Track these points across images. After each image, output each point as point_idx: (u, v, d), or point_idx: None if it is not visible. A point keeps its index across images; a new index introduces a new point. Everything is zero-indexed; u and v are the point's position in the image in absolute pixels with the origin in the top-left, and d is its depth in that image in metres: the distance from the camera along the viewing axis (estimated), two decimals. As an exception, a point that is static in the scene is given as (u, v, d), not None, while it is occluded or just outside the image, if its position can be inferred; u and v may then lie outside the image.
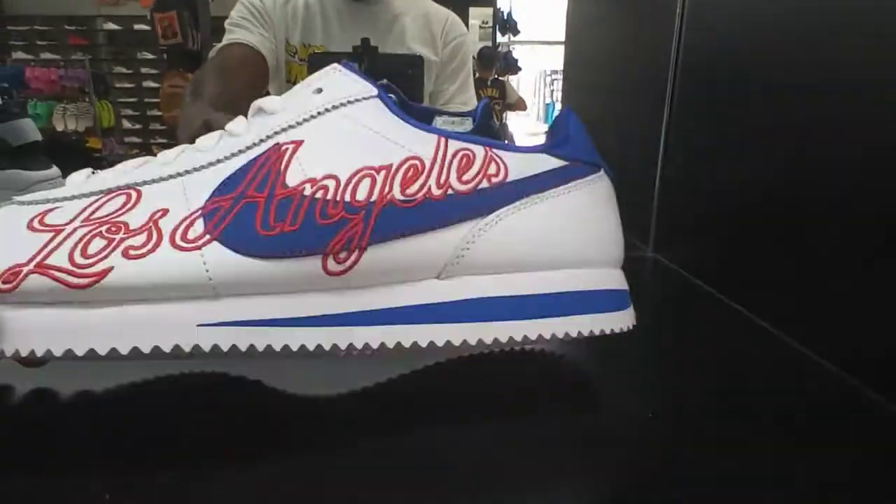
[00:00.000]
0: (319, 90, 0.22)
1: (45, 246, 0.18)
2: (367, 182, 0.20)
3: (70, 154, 3.02)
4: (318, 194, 0.19)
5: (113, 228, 0.19)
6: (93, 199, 0.20)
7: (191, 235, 0.19)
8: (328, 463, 0.18)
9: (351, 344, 0.20)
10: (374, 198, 0.20)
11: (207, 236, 0.19)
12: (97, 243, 0.19)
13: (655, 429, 0.20)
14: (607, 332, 0.23)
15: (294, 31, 0.91)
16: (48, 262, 0.18)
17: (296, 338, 0.20)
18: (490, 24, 4.18)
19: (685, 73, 0.44)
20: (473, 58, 1.12)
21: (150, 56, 5.15)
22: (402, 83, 0.73)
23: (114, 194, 0.20)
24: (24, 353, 0.18)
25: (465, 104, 0.97)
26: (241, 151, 0.20)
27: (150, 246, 0.19)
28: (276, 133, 0.20)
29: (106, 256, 0.18)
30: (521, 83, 4.74)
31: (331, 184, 0.19)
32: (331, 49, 0.88)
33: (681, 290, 0.38)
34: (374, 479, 0.17)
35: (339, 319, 0.21)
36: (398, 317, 0.21)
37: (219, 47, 0.85)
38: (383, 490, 0.17)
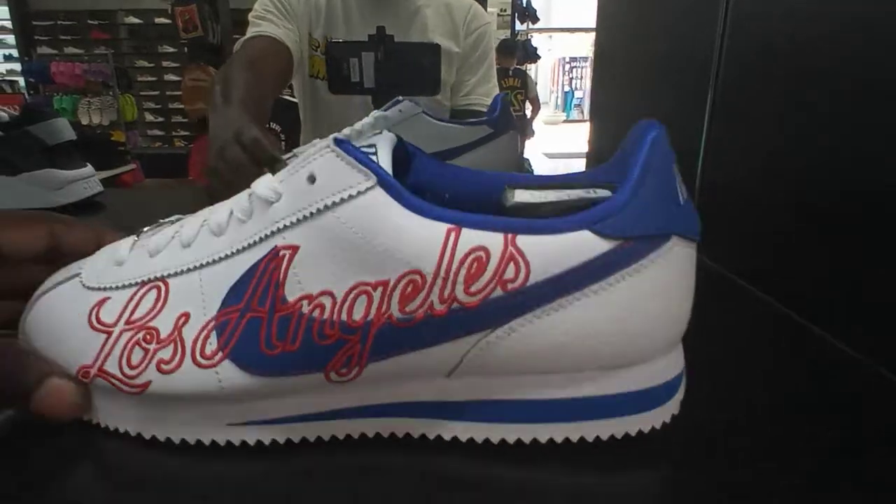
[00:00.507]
0: (313, 178, 0.20)
1: (102, 350, 0.22)
2: (363, 300, 0.19)
3: (97, 148, 3.08)
4: (315, 313, 0.19)
5: (147, 337, 0.21)
6: (132, 292, 0.22)
7: (207, 351, 0.21)
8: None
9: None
10: (370, 317, 0.19)
11: (220, 353, 0.21)
12: (137, 353, 0.21)
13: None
14: (634, 433, 0.21)
15: (317, 24, 0.91)
16: (105, 367, 0.22)
17: (311, 431, 0.22)
18: (508, 12, 4.10)
19: (730, 65, 0.42)
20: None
21: (170, 49, 5.08)
22: (419, 72, 0.71)
23: (147, 288, 0.22)
24: (94, 422, 0.23)
25: (487, 95, 0.95)
26: (244, 248, 0.21)
27: (176, 361, 0.21)
28: (274, 233, 0.20)
29: (144, 369, 0.21)
30: (538, 71, 4.66)
31: (327, 302, 0.20)
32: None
33: (726, 289, 0.37)
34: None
35: (347, 413, 0.22)
36: (407, 410, 0.22)
37: (243, 40, 0.84)
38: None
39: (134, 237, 0.24)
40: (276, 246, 0.20)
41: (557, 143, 6.39)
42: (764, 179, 0.37)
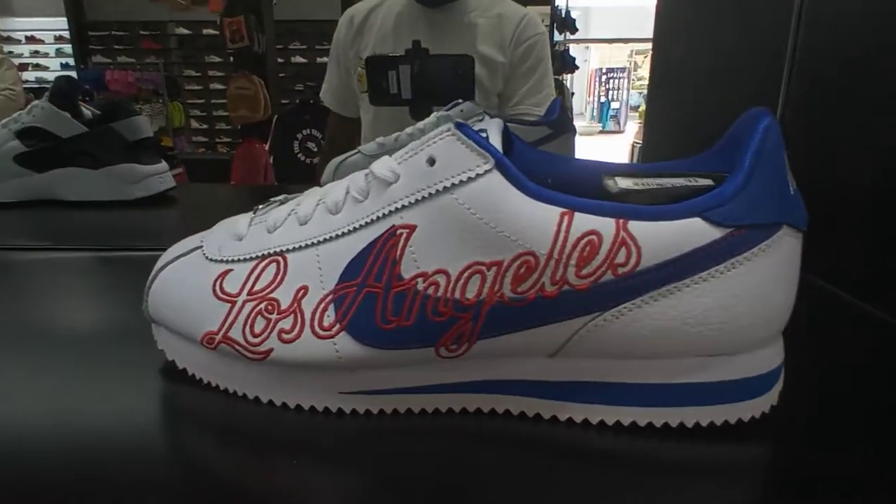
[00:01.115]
0: (432, 161, 0.21)
1: (227, 318, 0.23)
2: (476, 279, 0.20)
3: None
4: (430, 291, 0.21)
5: (269, 307, 0.23)
6: (252, 264, 0.24)
7: (325, 323, 0.22)
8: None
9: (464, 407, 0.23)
10: (483, 296, 0.20)
11: (338, 325, 0.22)
12: (260, 322, 0.23)
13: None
14: (733, 422, 0.22)
15: (367, 47, 0.95)
16: (230, 335, 0.23)
17: (417, 402, 0.23)
18: (546, 23, 4.16)
19: (801, 81, 0.42)
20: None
21: (217, 59, 5.36)
22: (452, 82, 0.74)
23: (266, 261, 0.23)
24: (213, 384, 0.25)
25: (538, 105, 0.95)
26: (361, 227, 0.22)
27: (296, 331, 0.22)
28: (391, 212, 0.21)
29: (267, 338, 0.23)
30: (574, 82, 4.71)
31: (441, 280, 0.21)
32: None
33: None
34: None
35: (451, 388, 0.23)
36: (507, 388, 0.23)
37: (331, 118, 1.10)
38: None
39: (251, 213, 0.26)
40: (393, 225, 0.21)
41: (594, 153, 6.36)
42: (834, 202, 0.37)
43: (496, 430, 0.23)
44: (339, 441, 0.22)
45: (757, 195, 0.20)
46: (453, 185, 0.20)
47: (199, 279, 0.24)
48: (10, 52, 5.24)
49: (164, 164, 0.66)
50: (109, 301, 0.39)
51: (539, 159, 0.25)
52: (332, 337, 0.22)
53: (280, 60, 4.31)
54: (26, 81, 3.27)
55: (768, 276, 0.21)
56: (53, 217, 0.60)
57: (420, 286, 0.21)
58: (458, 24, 0.93)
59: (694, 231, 0.20)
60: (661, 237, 0.20)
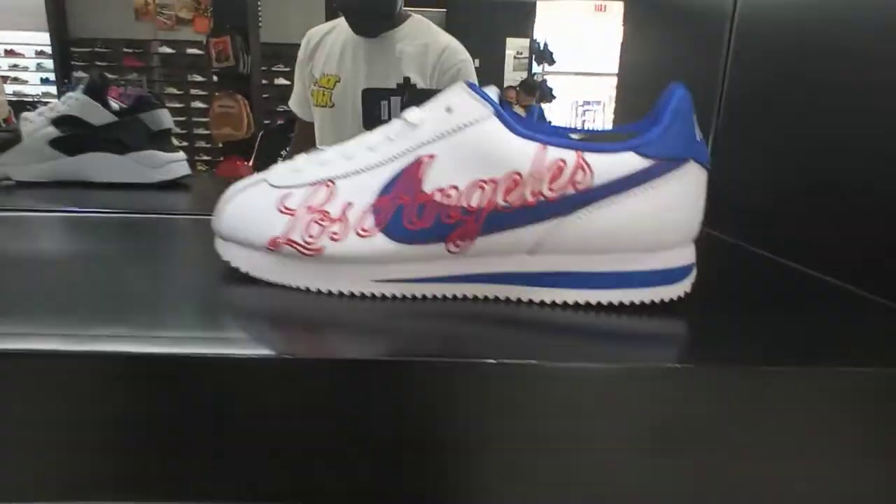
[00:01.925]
0: (449, 109, 0.29)
1: (289, 226, 0.31)
2: (478, 192, 0.29)
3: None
4: (444, 200, 0.29)
5: (322, 217, 0.30)
6: (308, 188, 0.32)
7: (366, 226, 0.30)
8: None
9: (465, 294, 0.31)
10: (483, 204, 0.28)
11: (376, 228, 0.30)
12: (314, 228, 0.30)
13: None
14: (663, 300, 0.30)
15: (318, 66, 1.19)
16: (291, 237, 0.31)
17: (430, 290, 0.31)
18: (524, 55, 4.39)
19: (730, 103, 0.53)
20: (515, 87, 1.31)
21: (199, 79, 5.46)
22: None
23: (319, 185, 0.31)
24: (272, 280, 0.32)
25: None
26: (395, 157, 0.30)
27: (343, 233, 0.30)
28: (418, 147, 0.29)
29: (320, 238, 0.30)
30: (553, 112, 4.96)
31: (453, 192, 0.29)
32: (341, 75, 1.16)
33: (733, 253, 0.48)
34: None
35: (456, 279, 0.31)
36: (497, 279, 0.31)
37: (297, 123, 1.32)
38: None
39: (304, 154, 0.34)
40: (419, 155, 0.30)
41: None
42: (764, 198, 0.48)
43: (488, 311, 0.31)
44: (373, 315, 0.30)
45: (672, 138, 0.29)
46: (465, 125, 0.29)
47: (264, 200, 0.32)
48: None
49: (181, 153, 0.73)
50: (164, 240, 0.46)
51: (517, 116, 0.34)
52: (371, 236, 0.30)
53: (264, 82, 4.42)
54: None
55: (681, 194, 0.30)
56: (92, 193, 0.66)
57: (437, 197, 0.29)
58: (390, 51, 1.12)
59: (629, 161, 0.29)
60: (606, 164, 0.29)
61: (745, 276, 0.42)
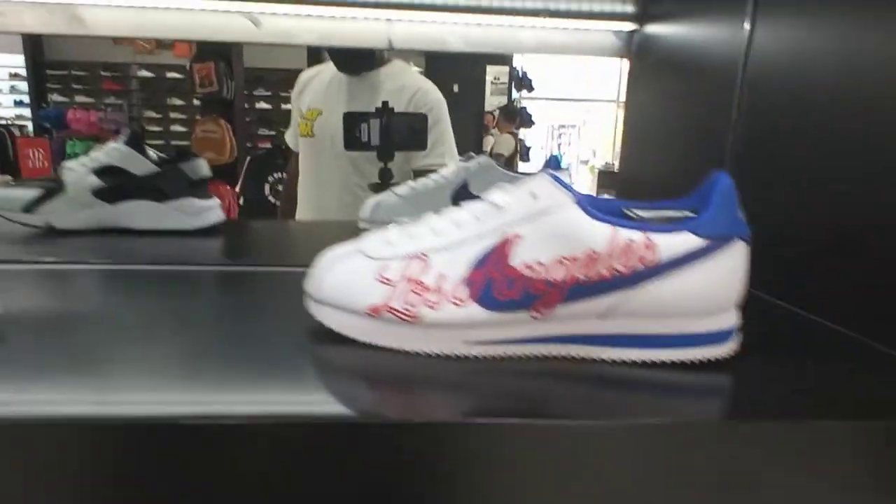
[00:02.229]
0: (534, 195, 0.34)
1: (388, 294, 0.35)
2: (561, 267, 0.34)
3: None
4: (531, 274, 0.34)
5: (418, 287, 0.35)
6: (404, 262, 0.36)
7: (461, 296, 0.34)
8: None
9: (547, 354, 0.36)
10: (565, 278, 0.33)
11: (470, 298, 0.34)
12: (413, 297, 0.35)
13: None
14: (712, 359, 0.35)
15: (305, 102, 1.29)
16: (392, 305, 0.35)
17: (512, 349, 0.36)
18: (502, 80, 4.53)
19: (739, 158, 0.60)
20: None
21: (179, 102, 5.46)
22: (411, 134, 0.93)
23: (412, 258, 0.36)
24: (366, 341, 0.36)
25: (441, 156, 1.22)
26: (483, 236, 0.34)
27: (439, 302, 0.34)
28: (505, 226, 0.34)
29: (418, 306, 0.34)
30: (529, 136, 5.12)
31: (539, 268, 0.34)
32: (324, 108, 1.25)
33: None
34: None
35: (535, 340, 0.36)
36: (572, 340, 0.36)
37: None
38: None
39: (395, 226, 0.38)
40: (506, 234, 0.34)
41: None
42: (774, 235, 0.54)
43: (562, 368, 0.35)
44: (462, 373, 0.34)
45: (722, 221, 0.35)
46: (548, 209, 0.34)
47: (363, 271, 0.36)
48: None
49: (216, 200, 0.76)
50: (247, 300, 0.49)
51: (590, 198, 0.39)
52: (465, 305, 0.34)
53: (245, 106, 4.44)
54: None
55: (728, 266, 0.35)
56: (135, 241, 0.69)
57: (524, 272, 0.34)
58: (370, 89, 1.21)
59: (687, 240, 0.34)
60: (668, 243, 0.34)
61: (778, 333, 0.47)
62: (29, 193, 0.69)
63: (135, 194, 0.71)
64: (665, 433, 0.30)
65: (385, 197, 0.74)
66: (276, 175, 3.19)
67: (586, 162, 11.15)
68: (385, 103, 0.91)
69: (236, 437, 0.28)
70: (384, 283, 0.36)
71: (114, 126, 4.98)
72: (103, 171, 0.71)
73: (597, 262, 0.33)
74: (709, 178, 0.36)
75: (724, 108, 0.62)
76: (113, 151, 0.71)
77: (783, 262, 0.53)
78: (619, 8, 0.79)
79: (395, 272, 0.36)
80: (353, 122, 0.89)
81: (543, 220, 0.34)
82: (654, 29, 0.79)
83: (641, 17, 0.80)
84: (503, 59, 4.56)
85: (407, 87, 1.23)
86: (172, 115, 5.54)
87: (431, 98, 1.25)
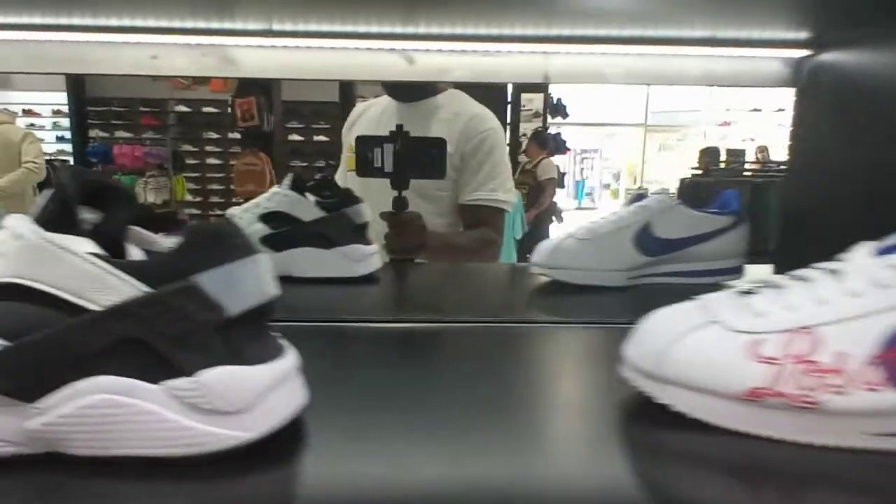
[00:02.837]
0: None
1: (773, 376, 0.30)
2: None
3: (164, 223, 3.25)
4: None
5: (811, 368, 0.30)
6: (785, 336, 0.31)
7: (872, 379, 0.29)
8: None
9: None
10: None
11: (888, 382, 0.29)
12: (808, 380, 0.29)
13: None
14: None
15: (354, 133, 1.14)
16: (780, 389, 0.30)
17: None
18: (530, 109, 4.54)
19: None
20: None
21: (215, 136, 5.56)
22: (428, 160, 0.84)
23: (798, 332, 0.31)
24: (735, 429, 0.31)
25: (493, 190, 1.12)
26: (893, 307, 0.30)
27: (846, 386, 0.29)
28: None
29: (816, 390, 0.29)
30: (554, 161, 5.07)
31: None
32: None
33: None
34: None
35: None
36: None
37: None
38: None
39: (732, 293, 0.33)
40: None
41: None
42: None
43: None
44: (866, 471, 0.29)
45: None
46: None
47: (728, 346, 0.31)
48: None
49: (376, 246, 0.72)
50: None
51: None
52: (879, 390, 0.29)
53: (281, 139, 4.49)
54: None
55: None
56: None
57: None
58: (423, 117, 1.13)
59: None
60: None
61: None
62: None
63: (300, 241, 0.67)
64: None
65: (562, 241, 0.69)
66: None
67: (608, 186, 11.12)
68: (399, 126, 0.84)
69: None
70: (765, 362, 0.30)
71: (157, 160, 5.08)
72: (270, 218, 0.67)
73: None
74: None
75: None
76: (277, 196, 0.68)
77: None
78: (791, 35, 0.75)
79: (776, 349, 0.31)
80: (365, 146, 0.83)
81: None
82: (829, 56, 0.75)
83: (816, 44, 0.75)
84: (539, 86, 4.57)
85: (461, 113, 1.15)
86: (208, 147, 5.63)
87: (488, 125, 1.15)
